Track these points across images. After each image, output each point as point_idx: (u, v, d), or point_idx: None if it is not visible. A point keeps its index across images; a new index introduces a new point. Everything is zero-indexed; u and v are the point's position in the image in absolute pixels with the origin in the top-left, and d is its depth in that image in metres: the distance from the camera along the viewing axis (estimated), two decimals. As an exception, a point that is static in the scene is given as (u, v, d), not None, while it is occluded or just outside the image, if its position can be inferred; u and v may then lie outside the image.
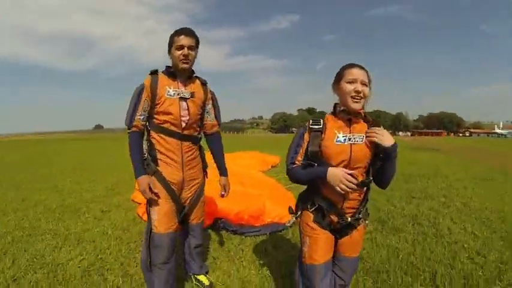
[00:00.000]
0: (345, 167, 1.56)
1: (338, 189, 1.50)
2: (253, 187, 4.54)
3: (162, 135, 2.05)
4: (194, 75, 2.19)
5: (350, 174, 1.50)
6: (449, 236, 3.75)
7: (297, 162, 1.63)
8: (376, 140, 1.54)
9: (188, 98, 2.08)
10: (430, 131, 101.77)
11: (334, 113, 1.68)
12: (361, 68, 1.59)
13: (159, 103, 2.01)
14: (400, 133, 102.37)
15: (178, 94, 2.04)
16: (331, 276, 1.71)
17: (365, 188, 1.65)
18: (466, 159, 13.36)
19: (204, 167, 2.32)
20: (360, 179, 1.59)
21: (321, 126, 1.61)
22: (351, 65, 1.60)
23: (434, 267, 2.87)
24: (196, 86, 2.16)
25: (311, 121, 1.66)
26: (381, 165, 1.59)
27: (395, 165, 1.60)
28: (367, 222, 1.79)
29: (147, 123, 2.08)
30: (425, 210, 4.89)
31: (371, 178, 1.62)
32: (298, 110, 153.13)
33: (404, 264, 2.96)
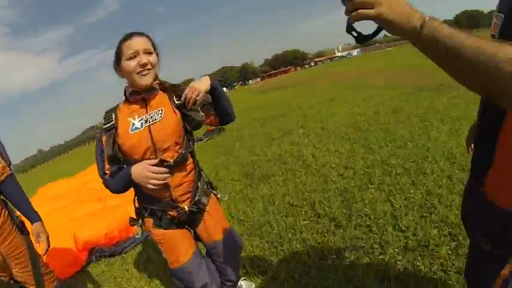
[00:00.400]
0: (153, 154, 1.40)
1: (150, 187, 1.35)
2: (111, 198, 4.11)
3: None
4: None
5: (155, 164, 1.36)
6: (315, 162, 4.05)
7: (107, 171, 1.43)
8: (194, 95, 1.39)
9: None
10: (277, 70, 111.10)
11: (126, 99, 1.47)
12: (140, 34, 1.40)
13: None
14: (250, 81, 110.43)
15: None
16: (206, 262, 1.64)
17: (188, 165, 1.50)
18: (311, 87, 15.43)
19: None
20: (175, 157, 1.43)
21: (113, 122, 1.42)
22: (127, 37, 1.38)
23: (311, 198, 2.97)
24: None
25: (103, 120, 1.46)
26: (216, 106, 1.51)
27: (228, 98, 1.53)
28: (218, 195, 1.70)
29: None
30: (287, 147, 5.23)
31: (184, 151, 1.46)
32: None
33: (283, 208, 2.97)
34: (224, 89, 1.66)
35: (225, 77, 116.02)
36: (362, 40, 0.69)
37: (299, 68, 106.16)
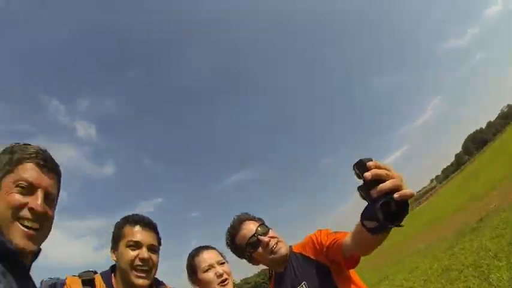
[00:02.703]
0: None
1: None
2: None
3: None
4: None
5: None
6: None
7: None
8: None
9: None
10: None
11: None
12: (210, 248, 1.60)
13: None
14: None
15: None
16: None
17: None
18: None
19: None
20: None
21: None
22: (202, 249, 1.58)
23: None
24: None
25: None
26: None
27: None
28: None
29: None
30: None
31: None
32: None
33: None
34: None
35: (266, 279, 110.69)
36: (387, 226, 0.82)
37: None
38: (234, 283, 1.54)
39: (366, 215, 0.86)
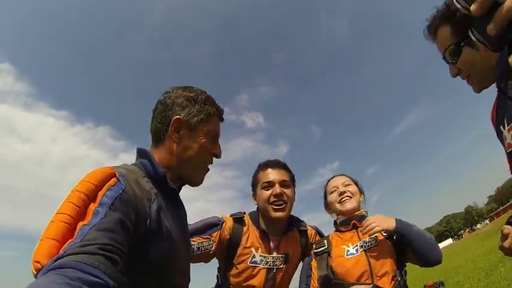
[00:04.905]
0: (368, 279, 1.36)
1: None
2: None
3: None
4: (291, 226, 1.66)
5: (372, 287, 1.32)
6: None
7: None
8: (376, 229, 1.37)
9: (280, 267, 1.54)
10: (506, 205, 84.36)
11: (336, 229, 1.60)
12: (342, 175, 1.67)
13: (238, 268, 1.52)
14: (478, 225, 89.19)
15: (267, 262, 1.51)
16: None
17: None
18: None
19: None
20: (388, 286, 1.35)
21: (325, 247, 1.50)
22: (333, 177, 1.68)
23: None
24: (293, 245, 1.62)
25: (314, 245, 1.55)
26: (409, 250, 1.40)
27: (423, 235, 1.38)
28: None
29: (218, 276, 1.61)
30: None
31: (399, 279, 1.38)
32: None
33: None
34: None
35: (449, 227, 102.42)
36: None
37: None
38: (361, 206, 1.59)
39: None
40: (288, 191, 1.55)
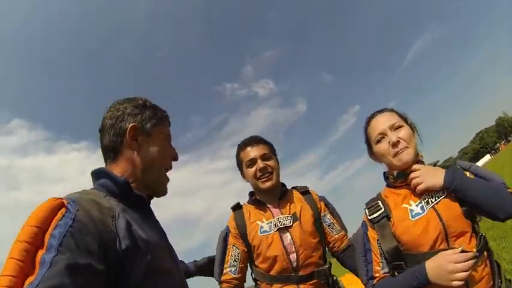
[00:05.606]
0: (444, 242, 1.10)
1: (455, 284, 1.00)
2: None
3: (274, 284, 1.52)
4: (288, 188, 1.76)
5: (460, 252, 1.03)
6: None
7: (376, 274, 1.19)
8: (420, 186, 1.14)
9: (291, 226, 1.56)
10: None
11: (389, 185, 1.31)
12: (385, 111, 1.31)
13: (254, 246, 1.56)
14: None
15: (275, 225, 1.56)
16: None
17: (485, 254, 1.12)
18: None
19: None
20: (470, 247, 1.08)
21: (382, 210, 1.22)
22: (374, 115, 1.32)
23: None
24: (297, 203, 1.67)
25: (366, 211, 1.27)
26: (471, 204, 1.10)
27: (486, 189, 1.09)
28: None
29: (252, 273, 1.65)
30: None
31: (481, 234, 1.12)
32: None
33: None
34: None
35: (483, 143, 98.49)
36: None
37: None
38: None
39: None
40: (270, 162, 1.65)
